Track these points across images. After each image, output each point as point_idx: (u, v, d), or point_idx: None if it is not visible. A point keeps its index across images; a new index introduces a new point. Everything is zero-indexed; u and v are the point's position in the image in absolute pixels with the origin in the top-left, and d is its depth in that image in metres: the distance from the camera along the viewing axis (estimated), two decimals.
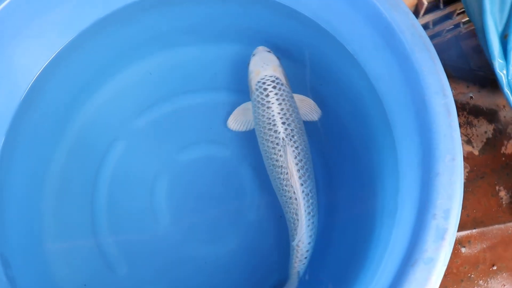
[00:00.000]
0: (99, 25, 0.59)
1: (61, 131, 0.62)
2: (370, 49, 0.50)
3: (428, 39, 0.45)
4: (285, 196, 0.54)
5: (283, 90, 0.56)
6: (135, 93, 0.65)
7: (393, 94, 0.50)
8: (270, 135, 0.54)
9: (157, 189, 0.63)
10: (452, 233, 0.40)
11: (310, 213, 0.54)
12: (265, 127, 0.55)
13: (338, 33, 0.54)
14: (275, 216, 0.61)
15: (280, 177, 0.54)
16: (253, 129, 0.59)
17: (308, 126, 0.58)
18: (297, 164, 0.53)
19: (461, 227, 0.64)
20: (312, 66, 0.62)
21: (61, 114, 0.62)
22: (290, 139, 0.54)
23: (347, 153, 0.61)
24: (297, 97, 0.58)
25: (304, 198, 0.53)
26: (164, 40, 0.64)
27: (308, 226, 0.54)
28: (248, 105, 0.59)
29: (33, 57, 0.57)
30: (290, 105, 0.56)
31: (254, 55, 0.59)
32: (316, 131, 0.61)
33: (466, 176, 0.66)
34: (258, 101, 0.56)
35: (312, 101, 0.59)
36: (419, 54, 0.45)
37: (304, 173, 0.54)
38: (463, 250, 0.65)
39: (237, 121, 0.60)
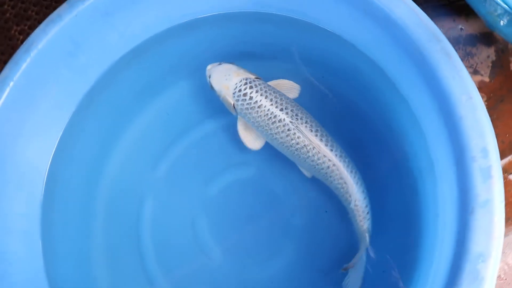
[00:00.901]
0: (111, 72, 0.61)
1: (94, 184, 0.63)
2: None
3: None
4: (323, 169, 0.55)
5: (258, 84, 0.56)
6: (153, 138, 0.66)
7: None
8: (277, 128, 0.54)
9: (198, 224, 0.63)
10: (497, 168, 0.40)
11: (352, 171, 0.54)
12: (268, 125, 0.55)
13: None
14: (320, 211, 0.61)
15: (309, 156, 0.54)
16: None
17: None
18: (316, 135, 0.54)
19: (500, 156, 0.63)
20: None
21: (89, 171, 0.64)
22: (296, 119, 0.54)
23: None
24: (272, 83, 0.58)
25: (340, 160, 0.54)
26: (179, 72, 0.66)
27: (357, 183, 0.54)
28: (240, 121, 0.59)
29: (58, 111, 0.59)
30: (273, 92, 0.55)
31: (210, 76, 0.58)
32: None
33: (486, 105, 0.65)
34: (247, 109, 0.55)
35: (286, 81, 0.59)
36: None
37: (327, 140, 0.54)
38: (511, 177, 0.64)
39: (251, 140, 0.59)
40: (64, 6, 0.55)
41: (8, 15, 0.84)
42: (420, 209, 0.54)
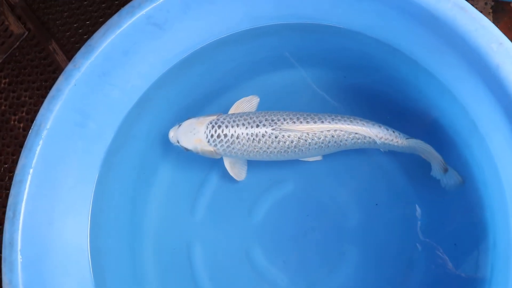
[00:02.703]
0: (123, 129, 0.61)
1: (139, 246, 0.62)
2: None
3: None
4: (330, 142, 0.54)
5: (223, 119, 0.56)
6: (182, 183, 0.65)
7: None
8: (265, 143, 0.54)
9: (253, 254, 0.61)
10: None
11: (351, 120, 0.54)
12: (256, 146, 0.55)
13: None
14: (370, 206, 0.59)
15: (310, 143, 0.54)
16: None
17: None
18: (301, 122, 0.54)
19: None
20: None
21: (128, 234, 0.63)
22: (276, 123, 0.54)
23: None
24: (233, 108, 0.58)
25: (335, 122, 0.53)
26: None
27: (363, 124, 0.54)
28: (226, 160, 0.59)
29: (74, 224, 0.57)
30: (240, 116, 0.56)
31: (178, 141, 0.58)
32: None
33: None
34: (228, 146, 0.55)
35: (244, 98, 0.59)
36: None
37: (313, 119, 0.54)
38: None
39: (238, 173, 0.59)
40: (60, 79, 0.54)
41: (3, 107, 0.84)
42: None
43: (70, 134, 0.55)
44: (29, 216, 0.52)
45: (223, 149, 0.56)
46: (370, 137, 0.54)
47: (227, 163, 0.59)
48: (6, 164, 0.81)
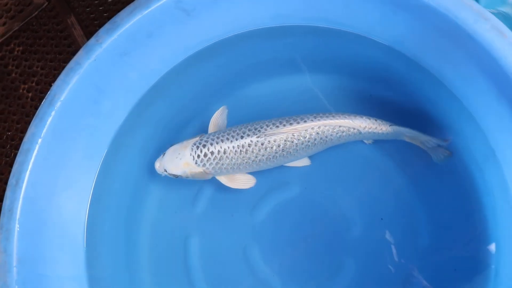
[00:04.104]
0: (136, 111, 0.60)
1: (135, 230, 0.61)
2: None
3: None
4: (316, 140, 0.55)
5: (206, 138, 0.56)
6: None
7: None
8: (253, 152, 0.55)
9: (250, 254, 0.60)
10: None
11: (333, 116, 0.54)
12: (244, 158, 0.55)
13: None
14: (375, 219, 0.58)
15: (297, 144, 0.54)
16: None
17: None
18: (285, 125, 0.54)
19: None
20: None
21: (127, 217, 0.61)
22: (259, 131, 0.54)
23: None
24: (211, 125, 0.59)
25: (318, 120, 0.54)
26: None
27: (345, 117, 0.54)
28: (222, 180, 0.58)
29: (72, 208, 0.56)
30: (222, 132, 0.56)
31: (166, 170, 0.57)
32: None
33: None
34: (217, 163, 0.55)
35: (216, 112, 0.59)
36: None
37: (296, 120, 0.54)
38: None
39: (243, 182, 0.59)
40: (80, 53, 0.53)
41: (13, 74, 0.83)
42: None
43: (84, 109, 0.55)
44: (31, 186, 0.51)
45: (213, 167, 0.56)
46: (354, 128, 0.55)
47: (224, 181, 0.58)
48: (9, 131, 0.80)
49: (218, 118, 0.59)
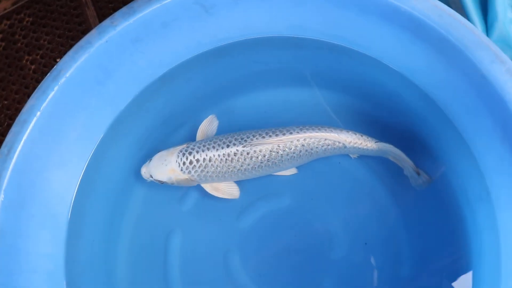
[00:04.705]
0: (138, 100, 0.59)
1: (119, 218, 0.60)
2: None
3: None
4: (301, 152, 0.55)
5: (192, 146, 0.56)
6: None
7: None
8: (238, 161, 0.55)
9: (230, 259, 0.60)
10: None
11: (319, 128, 0.55)
12: (230, 166, 0.55)
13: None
14: (359, 243, 0.58)
15: (282, 154, 0.55)
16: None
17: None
18: (271, 136, 0.55)
19: None
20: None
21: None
22: (245, 140, 0.55)
23: None
24: (200, 134, 0.59)
25: (304, 132, 0.55)
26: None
27: (331, 130, 0.55)
28: (207, 187, 0.58)
29: (62, 185, 0.55)
30: (208, 140, 0.56)
31: (151, 175, 0.58)
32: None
33: None
34: (202, 171, 0.56)
35: (204, 121, 0.60)
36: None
37: (281, 132, 0.55)
38: None
39: (227, 192, 0.59)
40: (93, 32, 0.53)
41: (19, 44, 0.82)
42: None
43: (87, 88, 0.54)
44: (22, 158, 0.51)
45: (198, 175, 0.56)
46: (339, 142, 0.55)
47: (208, 189, 0.58)
48: (6, 100, 0.79)
49: (206, 126, 0.60)
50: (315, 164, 0.61)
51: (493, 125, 0.45)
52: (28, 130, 0.50)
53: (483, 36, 0.43)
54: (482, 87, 0.44)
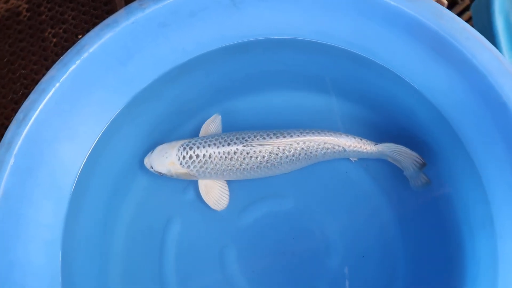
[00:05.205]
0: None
1: (121, 199, 0.60)
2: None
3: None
4: (300, 155, 0.56)
5: (194, 142, 0.57)
6: None
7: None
8: (237, 159, 0.56)
9: (226, 254, 0.60)
10: None
11: (319, 132, 0.56)
12: (229, 164, 0.56)
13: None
14: (357, 255, 0.58)
15: (281, 157, 0.56)
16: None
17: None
18: (271, 137, 0.56)
19: None
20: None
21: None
22: (246, 140, 0.56)
23: None
24: (203, 131, 0.60)
25: (304, 135, 0.56)
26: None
27: (331, 134, 0.56)
28: (201, 184, 0.59)
29: (70, 158, 0.55)
30: (210, 137, 0.57)
31: (152, 167, 0.58)
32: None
33: None
34: (201, 166, 0.57)
35: (209, 119, 0.61)
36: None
37: (282, 134, 0.56)
38: None
39: (214, 201, 0.59)
40: (121, 12, 0.53)
41: (44, 16, 0.82)
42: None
43: (108, 66, 0.55)
44: (36, 126, 0.51)
45: (196, 170, 0.57)
46: (339, 146, 0.56)
47: (202, 189, 0.59)
48: (24, 70, 0.80)
49: (209, 124, 0.60)
50: (322, 171, 0.61)
51: (506, 154, 0.45)
52: (45, 100, 0.51)
53: (508, 64, 0.43)
54: (501, 115, 0.44)
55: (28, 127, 0.49)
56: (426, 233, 0.58)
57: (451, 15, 0.48)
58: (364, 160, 0.61)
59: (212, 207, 0.59)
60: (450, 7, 0.75)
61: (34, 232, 0.51)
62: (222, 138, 0.57)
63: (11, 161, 0.48)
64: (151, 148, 0.60)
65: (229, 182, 0.61)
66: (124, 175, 0.61)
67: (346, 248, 0.59)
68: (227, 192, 0.59)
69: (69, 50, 0.52)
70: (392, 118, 0.61)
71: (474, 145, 0.50)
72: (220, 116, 0.62)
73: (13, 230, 0.49)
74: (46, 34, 0.82)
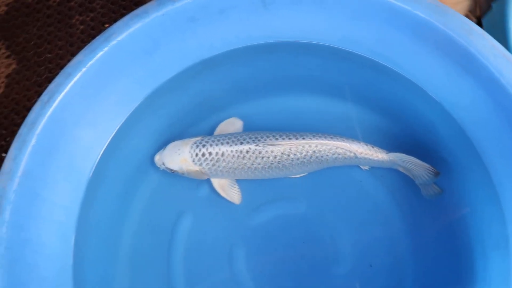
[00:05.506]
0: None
1: (135, 189, 0.61)
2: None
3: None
4: (311, 158, 0.56)
5: (207, 139, 0.57)
6: None
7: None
8: (249, 158, 0.56)
9: (235, 253, 0.60)
10: None
11: (331, 137, 0.57)
12: (241, 163, 0.56)
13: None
14: (365, 264, 0.58)
15: (293, 158, 0.56)
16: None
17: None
18: (284, 138, 0.56)
19: None
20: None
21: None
22: (259, 140, 0.56)
23: None
24: (218, 130, 0.61)
25: (316, 138, 0.56)
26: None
27: (343, 140, 0.57)
28: (214, 182, 0.59)
29: (91, 143, 0.56)
30: (224, 136, 0.57)
31: (164, 163, 0.58)
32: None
33: None
34: (213, 164, 0.57)
35: (228, 120, 0.61)
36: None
37: (295, 136, 0.56)
38: None
39: (233, 195, 0.60)
40: (152, 3, 0.54)
41: (73, 3, 0.84)
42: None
43: (134, 56, 0.55)
44: (60, 108, 0.52)
45: (209, 168, 0.57)
46: (350, 152, 0.56)
47: (217, 186, 0.59)
48: (50, 54, 0.81)
49: (227, 125, 0.61)
50: (337, 179, 0.62)
51: None
52: (71, 84, 0.51)
53: None
54: None
55: (52, 109, 0.50)
56: (437, 249, 0.57)
57: (480, 31, 0.48)
58: (379, 171, 0.61)
59: (231, 200, 0.60)
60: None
61: (50, 213, 0.52)
62: (235, 137, 0.57)
63: (34, 140, 0.49)
64: (170, 140, 0.60)
65: (243, 181, 0.61)
66: (141, 166, 0.61)
67: (355, 257, 0.59)
68: (237, 190, 0.60)
69: (97, 37, 0.53)
70: (411, 130, 0.61)
71: (494, 163, 0.50)
72: (241, 122, 0.62)
73: (29, 209, 0.50)
74: (74, 20, 0.83)
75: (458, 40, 0.48)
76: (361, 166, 0.60)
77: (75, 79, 0.52)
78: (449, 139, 0.57)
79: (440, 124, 0.57)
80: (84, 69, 0.52)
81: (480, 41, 0.47)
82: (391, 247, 0.59)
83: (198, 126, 0.65)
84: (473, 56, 0.48)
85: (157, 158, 0.59)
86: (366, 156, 0.57)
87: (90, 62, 0.52)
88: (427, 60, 0.53)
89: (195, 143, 0.57)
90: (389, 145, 0.60)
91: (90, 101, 0.54)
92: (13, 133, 0.74)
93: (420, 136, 0.60)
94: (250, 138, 0.57)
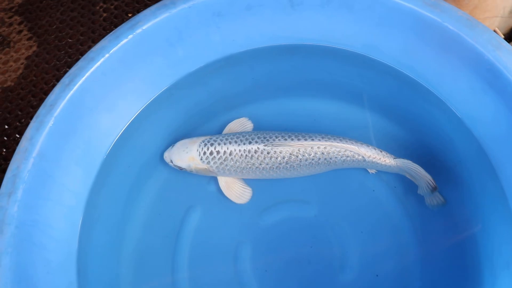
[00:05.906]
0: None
1: (145, 179, 0.61)
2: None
3: None
4: (320, 159, 0.56)
5: (216, 138, 0.57)
6: None
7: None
8: (258, 158, 0.56)
9: (241, 252, 0.59)
10: None
11: (340, 139, 0.56)
12: (249, 162, 0.56)
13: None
14: (371, 272, 0.57)
15: (301, 159, 0.56)
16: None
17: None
18: (292, 139, 0.55)
19: None
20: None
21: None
22: (268, 140, 0.56)
23: None
24: (227, 130, 0.60)
25: (325, 140, 0.56)
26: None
27: (352, 143, 0.56)
28: (221, 180, 0.59)
29: (106, 129, 0.56)
30: (232, 135, 0.57)
31: (171, 161, 0.59)
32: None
33: None
34: (221, 163, 0.57)
35: (237, 120, 0.61)
36: None
37: (304, 137, 0.56)
38: None
39: (237, 195, 0.59)
40: None
41: None
42: None
43: (158, 46, 0.55)
44: (80, 92, 0.52)
45: (216, 166, 0.57)
46: (358, 155, 0.56)
47: (223, 185, 0.59)
48: (71, 39, 0.81)
49: (236, 124, 0.61)
50: (349, 185, 0.61)
51: None
52: (93, 68, 0.52)
53: None
54: None
55: (72, 92, 0.50)
56: (445, 263, 0.57)
57: (509, 47, 0.48)
58: (393, 181, 0.60)
59: (235, 201, 0.59)
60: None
61: (60, 196, 0.52)
62: (243, 136, 0.57)
63: (51, 122, 0.49)
64: (183, 136, 0.60)
65: (254, 181, 0.61)
66: (153, 158, 0.61)
67: (362, 265, 0.58)
68: (249, 188, 0.60)
69: (123, 24, 0.53)
70: (427, 142, 0.61)
71: (510, 181, 0.49)
72: (252, 124, 0.62)
73: (41, 190, 0.50)
74: (98, 8, 0.83)
75: (486, 56, 0.48)
76: (369, 170, 0.60)
77: (98, 64, 0.52)
78: (466, 154, 0.56)
79: (457, 138, 0.56)
80: (107, 55, 0.52)
81: (508, 58, 0.46)
82: (399, 258, 0.58)
83: (211, 122, 0.64)
84: (500, 73, 0.47)
85: (165, 155, 0.59)
86: (374, 160, 0.57)
87: (114, 49, 0.52)
88: (451, 74, 0.53)
89: (203, 141, 0.57)
90: (401, 153, 0.60)
91: (110, 87, 0.54)
92: (28, 115, 0.74)
93: (437, 148, 0.59)
94: (258, 138, 0.56)
